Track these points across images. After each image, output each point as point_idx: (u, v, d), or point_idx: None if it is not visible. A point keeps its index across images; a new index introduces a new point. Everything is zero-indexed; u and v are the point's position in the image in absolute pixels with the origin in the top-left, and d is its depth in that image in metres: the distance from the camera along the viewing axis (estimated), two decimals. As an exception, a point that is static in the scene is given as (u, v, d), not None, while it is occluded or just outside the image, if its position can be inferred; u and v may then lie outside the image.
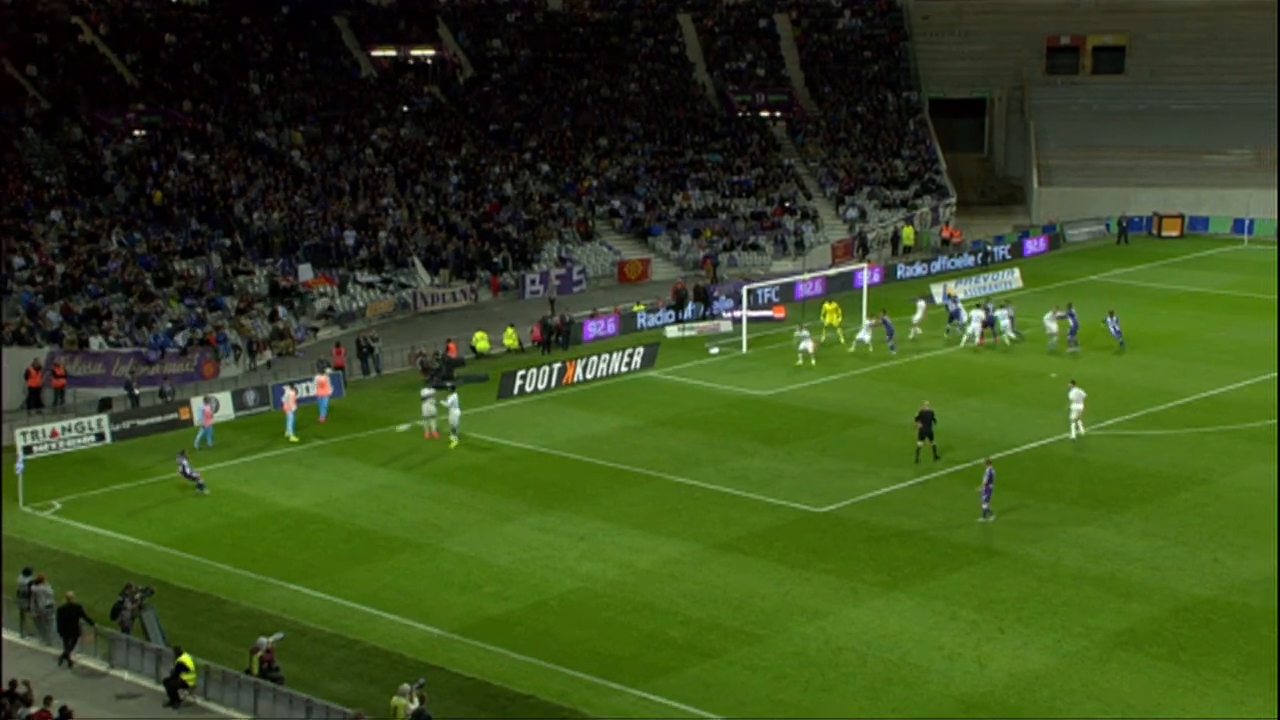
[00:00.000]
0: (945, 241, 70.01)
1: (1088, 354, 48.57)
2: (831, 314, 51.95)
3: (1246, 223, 71.58)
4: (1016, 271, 62.20)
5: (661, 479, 37.19)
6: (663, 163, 72.24)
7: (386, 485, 36.94)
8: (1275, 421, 40.75)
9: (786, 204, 70.68)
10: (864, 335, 49.52)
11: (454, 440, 38.69)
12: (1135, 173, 78.37)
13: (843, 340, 50.63)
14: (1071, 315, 49.39)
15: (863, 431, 41.18)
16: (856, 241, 68.47)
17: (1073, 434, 39.64)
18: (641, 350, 48.83)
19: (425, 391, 40.23)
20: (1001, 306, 51.90)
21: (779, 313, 56.48)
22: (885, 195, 73.29)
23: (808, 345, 47.78)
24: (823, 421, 42.23)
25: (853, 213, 71.39)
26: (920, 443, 37.77)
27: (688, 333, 53.89)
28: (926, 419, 37.90)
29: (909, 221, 70.71)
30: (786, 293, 59.15)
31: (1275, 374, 45.87)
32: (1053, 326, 49.07)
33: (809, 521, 34.08)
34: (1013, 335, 50.37)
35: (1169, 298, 59.10)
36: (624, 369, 47.99)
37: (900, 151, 77.67)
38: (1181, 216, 73.75)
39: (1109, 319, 49.66)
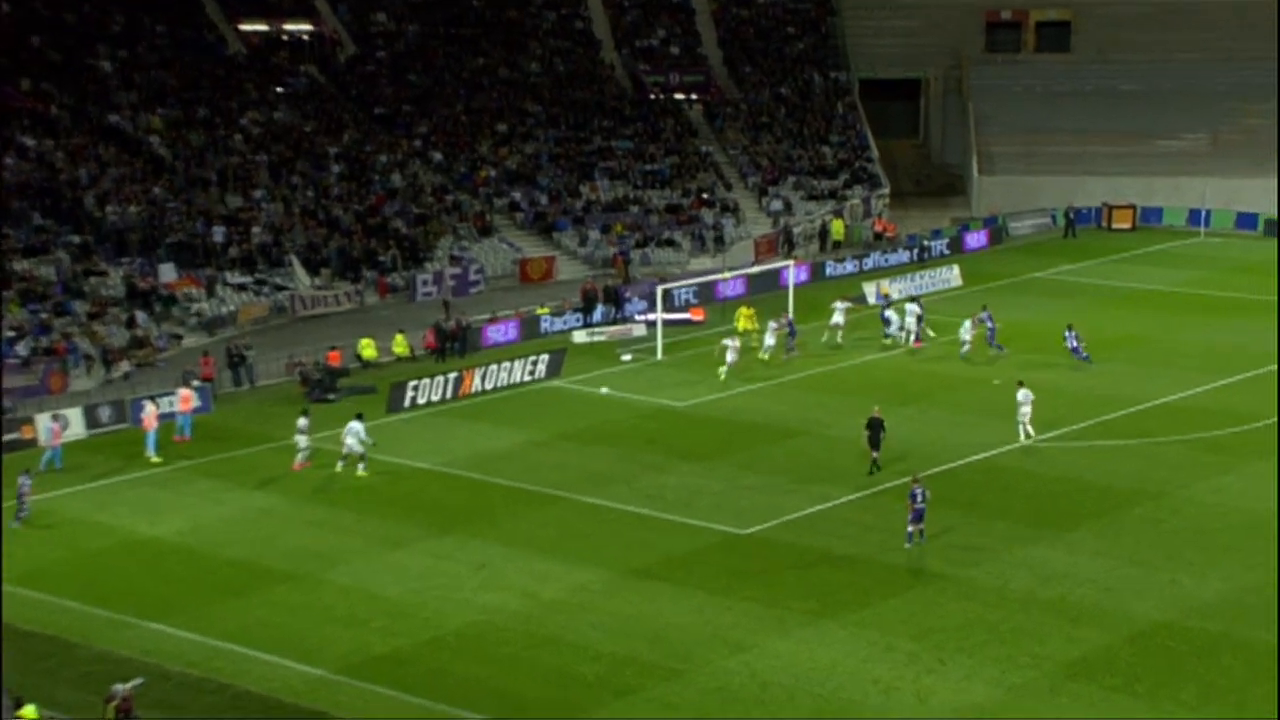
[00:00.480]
0: (878, 236, 70.85)
1: (1036, 359, 49.33)
2: (745, 319, 52.14)
3: (1203, 214, 73.33)
4: (955, 268, 63.09)
5: (569, 499, 37.14)
6: (568, 151, 72.24)
7: (262, 510, 36.45)
8: (1237, 429, 41.76)
9: (704, 196, 71.03)
10: (770, 340, 49.88)
11: (362, 471, 38.26)
12: (1083, 160, 79.93)
13: (756, 346, 51.00)
14: (988, 319, 49.76)
15: (790, 445, 41.43)
16: (781, 236, 69.01)
17: (1021, 437, 40.64)
18: (546, 358, 48.75)
19: (301, 422, 39.41)
20: (909, 301, 52.61)
21: (697, 315, 56.70)
22: (812, 186, 73.97)
23: (733, 355, 48.18)
24: (746, 434, 42.43)
25: (777, 205, 71.96)
26: (875, 453, 38.31)
27: (597, 338, 53.88)
28: (875, 427, 38.37)
29: (838, 214, 71.44)
30: (705, 293, 59.39)
31: (1236, 379, 47.03)
32: (967, 336, 49.31)
33: (731, 544, 34.19)
34: (902, 336, 50.86)
35: (1121, 296, 60.31)
36: (527, 378, 47.90)
37: (828, 137, 78.45)
38: (1133, 207, 75.35)
39: (1067, 334, 49.10)
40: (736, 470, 39.24)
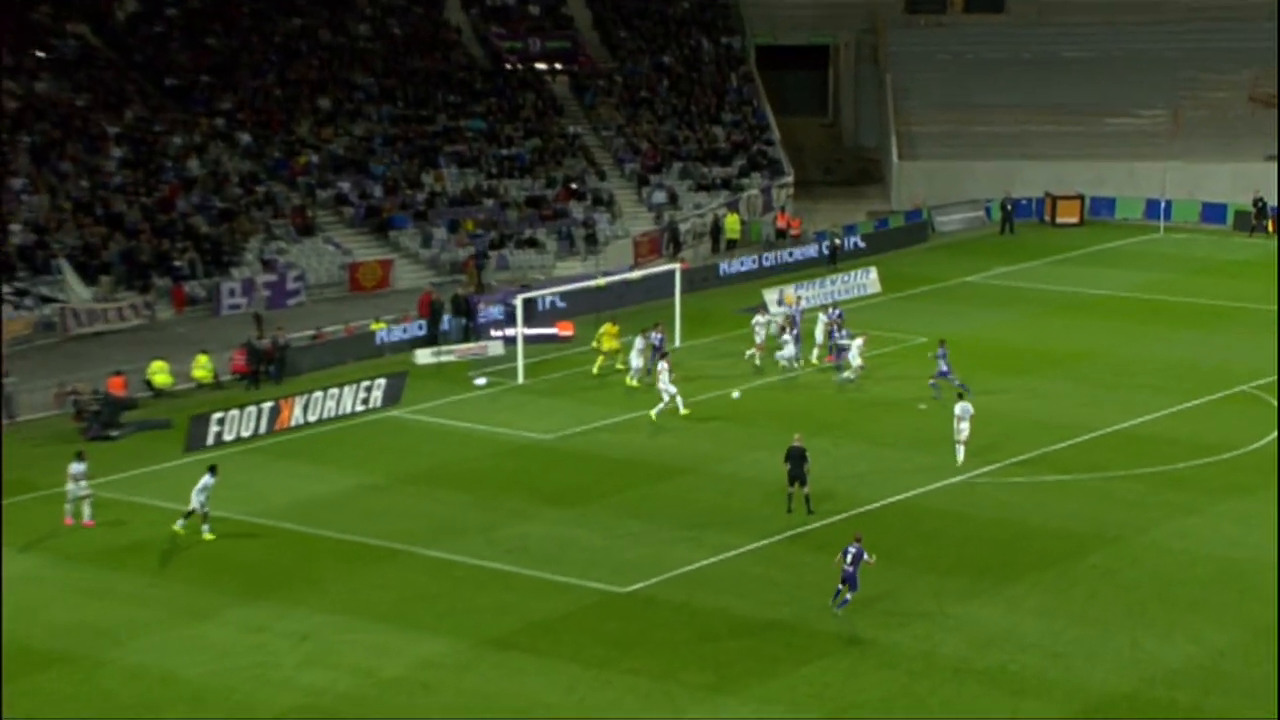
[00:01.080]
0: (780, 234, 71.73)
1: (965, 379, 50.19)
2: (609, 337, 52.27)
3: (1162, 204, 75.35)
4: (873, 271, 64.08)
5: (413, 554, 36.99)
6: (407, 132, 72.08)
7: (25, 577, 35.72)
8: (1204, 461, 42.88)
9: (573, 186, 71.32)
10: (635, 361, 50.08)
11: (207, 533, 37.61)
12: (1021, 141, 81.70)
13: (623, 369, 51.37)
14: (942, 359, 49.30)
15: (678, 485, 41.72)
16: (666, 235, 69.50)
17: (959, 459, 42.06)
18: (383, 382, 48.60)
19: (75, 467, 38.56)
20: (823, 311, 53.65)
21: (565, 330, 56.92)
22: (702, 174, 74.63)
23: (634, 376, 48.72)
24: (625, 472, 42.65)
25: (660, 197, 72.47)
26: (791, 488, 38.86)
27: (444, 358, 53.85)
28: (796, 458, 38.86)
29: (733, 208, 72.15)
30: (576, 303, 59.60)
31: (1201, 401, 48.35)
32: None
33: (610, 605, 34.29)
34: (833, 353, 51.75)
35: (1067, 303, 61.68)
36: (359, 408, 47.75)
37: (720, 116, 79.24)
38: (1080, 198, 77.23)
39: (938, 352, 48.33)
40: (615, 516, 39.37)
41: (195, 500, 37.45)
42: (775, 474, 42.10)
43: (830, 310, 53.72)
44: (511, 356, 52.75)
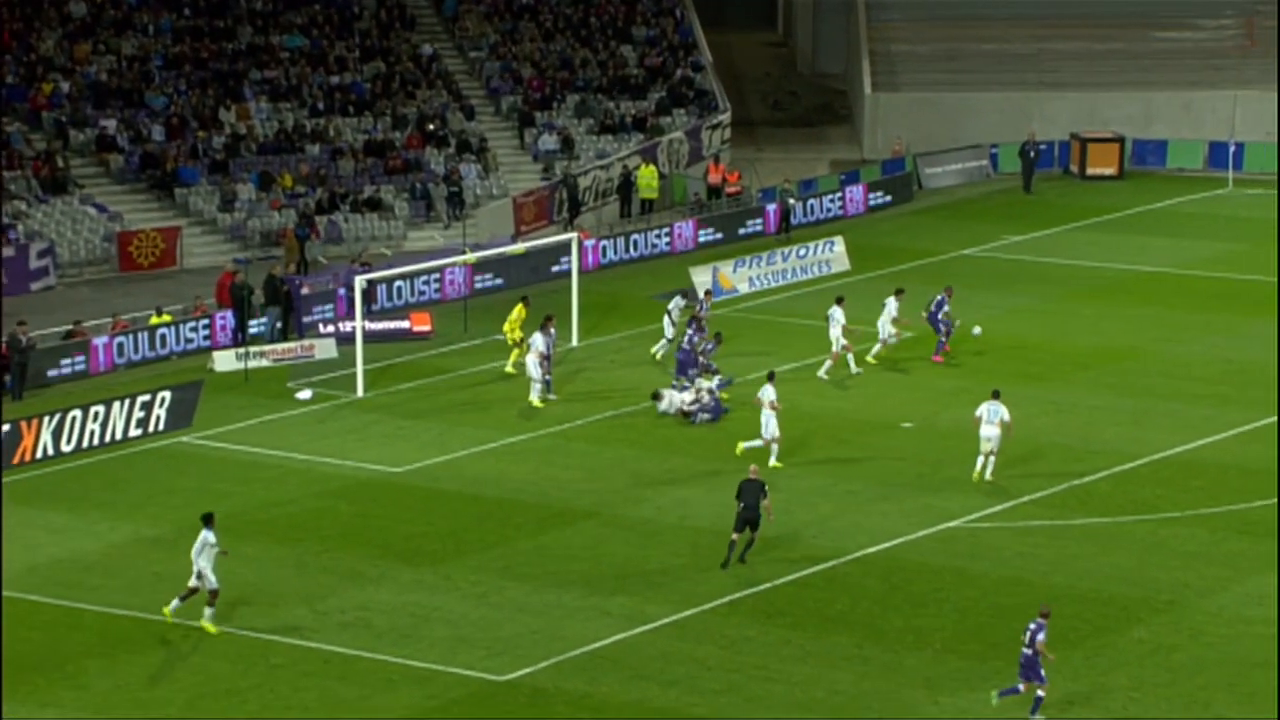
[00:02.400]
0: (714, 192, 71.90)
1: (962, 384, 50.58)
2: (519, 325, 52.64)
3: (1230, 149, 76.09)
4: (839, 243, 64.43)
5: (209, 633, 36.88)
6: (197, 50, 71.70)
7: None
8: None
9: (430, 127, 71.18)
10: (534, 369, 49.90)
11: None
12: (1039, 64, 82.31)
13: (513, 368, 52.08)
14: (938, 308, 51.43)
15: (577, 534, 41.77)
16: (558, 194, 69.53)
17: (984, 474, 44.13)
18: (167, 397, 48.39)
19: None
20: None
21: (421, 324, 56.87)
22: (607, 110, 74.73)
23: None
24: (506, 518, 42.66)
25: (549, 142, 72.50)
26: (736, 534, 39.41)
27: (254, 362, 53.64)
28: (750, 494, 39.28)
29: (649, 158, 72.30)
30: (435, 287, 59.46)
31: (1274, 418, 48.91)
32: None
33: (484, 699, 34.23)
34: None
35: (1100, 285, 62.27)
36: (135, 432, 47.53)
37: (631, 31, 79.33)
38: (1120, 140, 77.94)
39: (940, 301, 52.50)
40: (490, 577, 39.33)
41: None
42: (706, 518, 42.29)
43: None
44: (348, 360, 52.52)
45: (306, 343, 54.97)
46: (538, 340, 50.02)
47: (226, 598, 38.13)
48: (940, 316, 53.04)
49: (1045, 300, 60.16)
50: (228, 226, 65.29)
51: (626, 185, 70.95)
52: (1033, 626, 33.53)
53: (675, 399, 49.11)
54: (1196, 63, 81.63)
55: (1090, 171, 77.02)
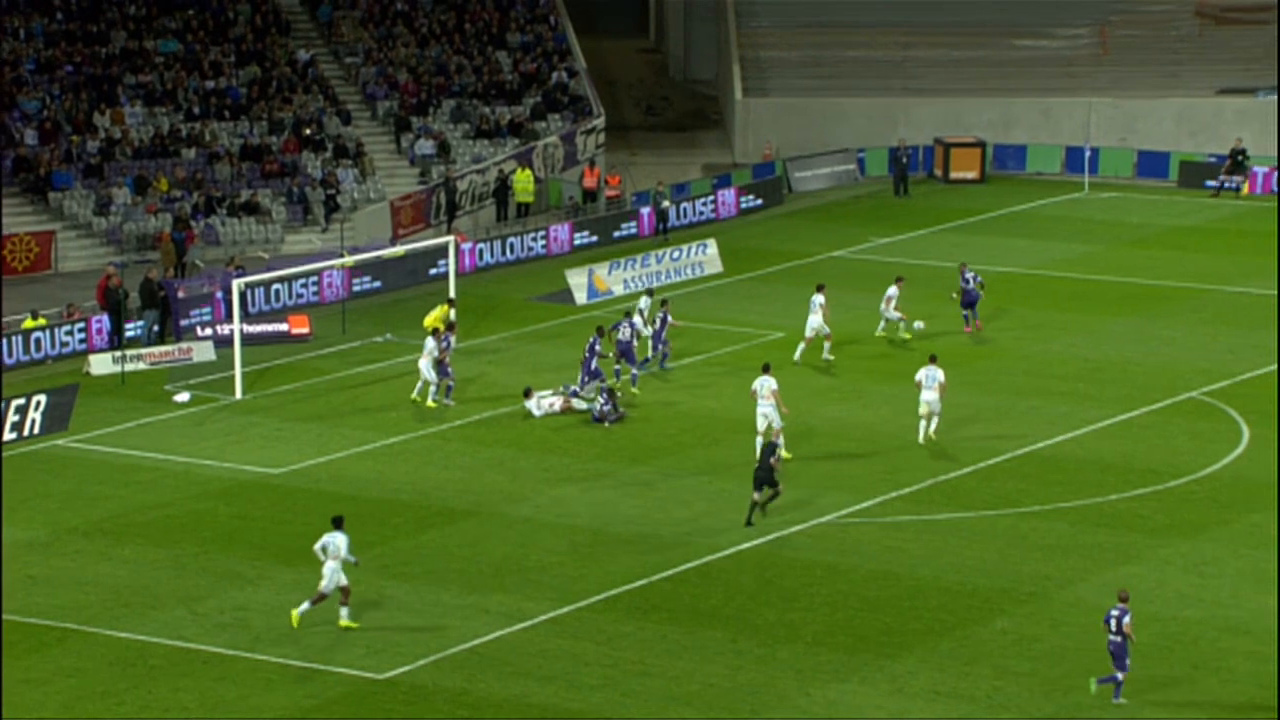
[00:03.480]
0: (589, 195, 71.92)
1: (834, 384, 50.75)
2: (437, 319, 52.39)
3: (1086, 154, 76.92)
4: (712, 245, 64.59)
5: (87, 635, 36.50)
6: (70, 54, 71.00)
7: None
8: (1141, 492, 43.89)
9: (306, 132, 70.79)
10: (427, 372, 49.55)
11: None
12: (904, 71, 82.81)
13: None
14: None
15: (457, 533, 41.76)
16: (435, 197, 69.32)
17: (921, 436, 45.95)
18: (42, 401, 47.92)
19: None
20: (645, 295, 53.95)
21: (300, 326, 56.59)
22: (483, 115, 74.58)
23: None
24: (381, 517, 42.57)
25: (426, 146, 72.30)
26: (757, 494, 41.11)
27: (131, 365, 53.23)
28: (763, 454, 41.62)
29: (524, 162, 72.21)
30: (313, 290, 59.15)
31: (1136, 413, 49.48)
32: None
33: (363, 697, 34.14)
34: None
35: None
36: (9, 435, 47.08)
37: (506, 38, 79.20)
38: (981, 145, 78.52)
39: (965, 276, 56.26)
40: (370, 577, 39.14)
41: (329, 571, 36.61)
42: (583, 517, 42.33)
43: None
44: (225, 363, 52.22)
45: (184, 345, 54.63)
46: (430, 345, 49.60)
47: (102, 600, 37.88)
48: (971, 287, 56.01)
49: (909, 301, 60.35)
50: (103, 230, 64.75)
51: (503, 189, 70.85)
52: (1115, 613, 33.76)
53: (544, 403, 48.97)
54: (1053, 70, 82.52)
55: (954, 175, 77.61)
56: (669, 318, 52.51)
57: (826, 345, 53.35)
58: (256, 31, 75.12)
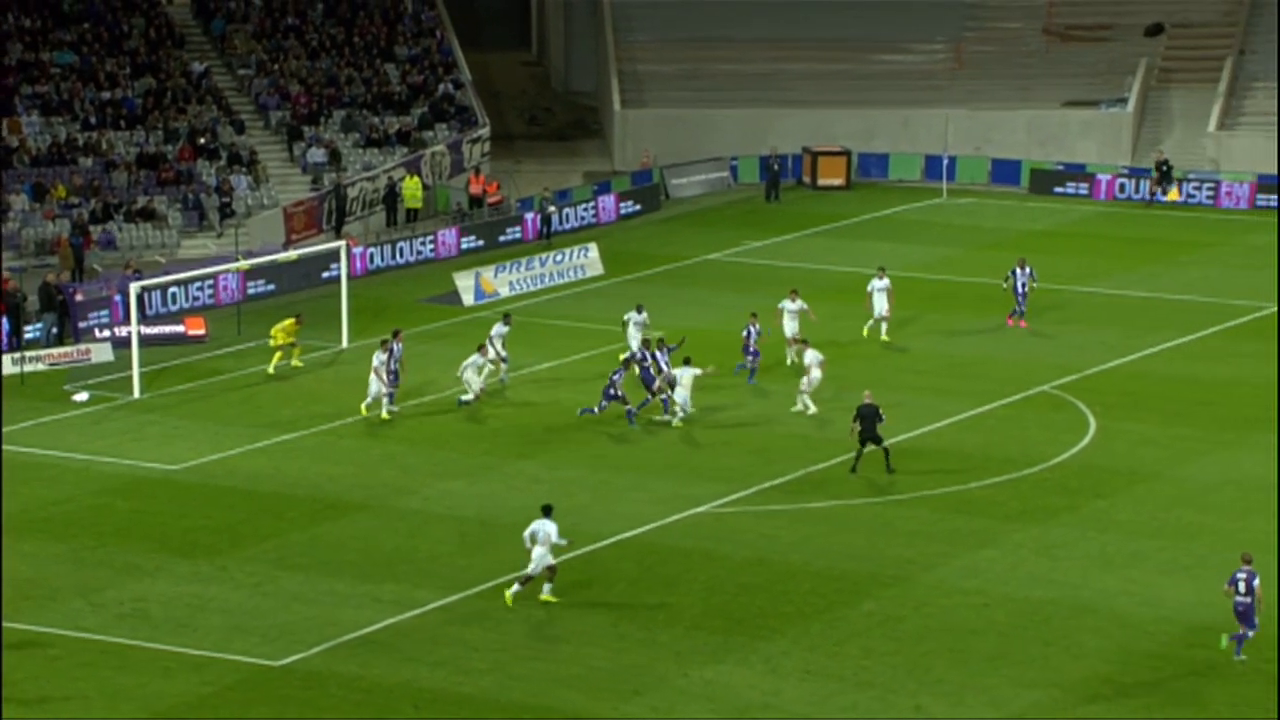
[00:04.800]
0: (476, 202, 71.74)
1: (706, 381, 50.94)
2: (283, 332, 52.24)
3: (944, 162, 77.49)
4: (593, 249, 64.58)
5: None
6: (-32, 67, 70.24)
7: None
8: (997, 480, 44.29)
9: (201, 141, 70.21)
10: (373, 385, 48.62)
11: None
12: (774, 83, 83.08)
13: (298, 364, 52.08)
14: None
15: (349, 526, 41.56)
16: (327, 204, 68.94)
17: (800, 405, 47.71)
18: (-50, 400, 47.30)
19: None
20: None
21: (195, 328, 56.16)
22: (372, 125, 74.22)
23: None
24: (280, 512, 42.33)
25: (318, 155, 71.85)
26: (863, 448, 43.86)
27: (30, 366, 52.67)
28: (869, 417, 43.53)
29: (413, 170, 71.94)
30: (209, 293, 58.70)
31: (992, 406, 49.90)
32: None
33: (259, 684, 33.94)
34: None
35: (830, 286, 62.92)
36: (-80, 435, 46.43)
37: (394, 50, 78.85)
38: (846, 154, 78.91)
39: (1018, 273, 56.86)
40: (265, 568, 38.96)
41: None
42: (471, 508, 42.22)
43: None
44: (123, 364, 51.75)
45: (83, 347, 54.14)
46: (378, 359, 48.53)
47: (4, 592, 37.36)
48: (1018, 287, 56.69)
49: (779, 302, 60.57)
50: (4, 238, 63.89)
51: (392, 195, 70.60)
52: (1242, 575, 34.22)
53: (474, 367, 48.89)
54: (912, 83, 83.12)
55: (821, 182, 78.00)
56: (761, 330, 51.51)
57: (883, 327, 55.03)
58: (151, 44, 74.45)
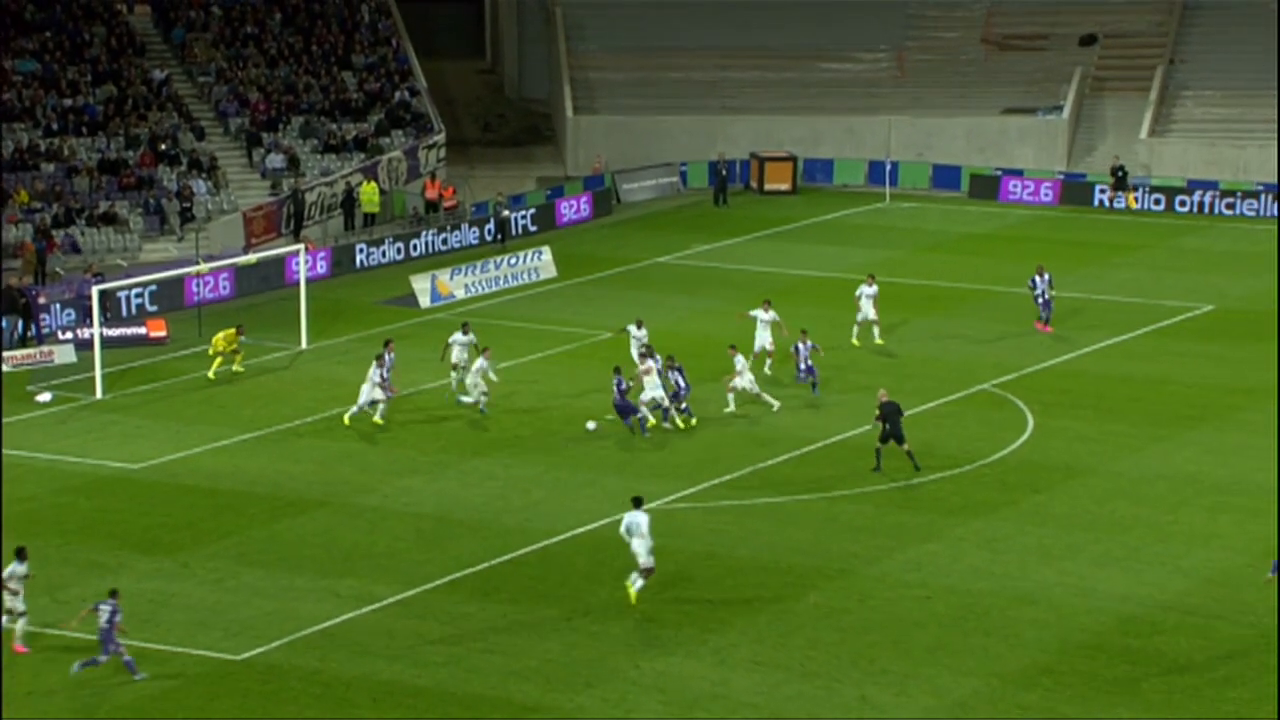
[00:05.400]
0: (431, 206, 71.67)
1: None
2: (223, 340, 51.74)
3: (887, 168, 77.73)
4: (547, 252, 64.61)
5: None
6: (-66, 75, 69.85)
7: None
8: (939, 476, 44.46)
9: (162, 147, 69.98)
10: (366, 394, 48.04)
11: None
12: (721, 90, 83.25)
13: (239, 369, 51.96)
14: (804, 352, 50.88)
15: (308, 522, 41.55)
16: (286, 208, 68.80)
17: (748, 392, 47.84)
18: (-83, 401, 47.05)
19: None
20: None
21: (157, 330, 56.06)
22: (330, 131, 74.08)
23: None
24: (240, 509, 42.28)
25: (276, 161, 71.69)
26: (883, 445, 43.75)
27: (-1, 368, 52.54)
28: (893, 414, 43.56)
29: (370, 175, 71.83)
30: (169, 296, 58.72)
31: (934, 404, 50.08)
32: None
33: (220, 678, 33.93)
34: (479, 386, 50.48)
35: (778, 288, 62.94)
36: (-114, 435, 46.14)
37: (350, 59, 78.71)
38: (793, 159, 79.10)
39: (1038, 281, 56.09)
40: (226, 564, 38.92)
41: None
42: (429, 505, 42.22)
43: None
44: (86, 365, 51.60)
45: (46, 349, 53.96)
46: (374, 373, 47.78)
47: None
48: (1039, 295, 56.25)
49: (730, 303, 60.73)
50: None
51: (350, 200, 70.48)
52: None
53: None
54: (856, 91, 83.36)
55: (768, 187, 78.14)
56: (814, 345, 50.52)
57: (875, 330, 54.72)
58: (112, 52, 74.19)
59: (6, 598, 34.95)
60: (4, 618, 34.75)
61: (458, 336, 50.33)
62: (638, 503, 37.36)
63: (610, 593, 37.50)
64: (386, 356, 48.63)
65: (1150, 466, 45.34)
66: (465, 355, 49.86)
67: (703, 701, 33.03)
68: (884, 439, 44.07)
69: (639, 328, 51.51)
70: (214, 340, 52.18)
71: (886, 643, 35.31)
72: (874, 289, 55.19)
